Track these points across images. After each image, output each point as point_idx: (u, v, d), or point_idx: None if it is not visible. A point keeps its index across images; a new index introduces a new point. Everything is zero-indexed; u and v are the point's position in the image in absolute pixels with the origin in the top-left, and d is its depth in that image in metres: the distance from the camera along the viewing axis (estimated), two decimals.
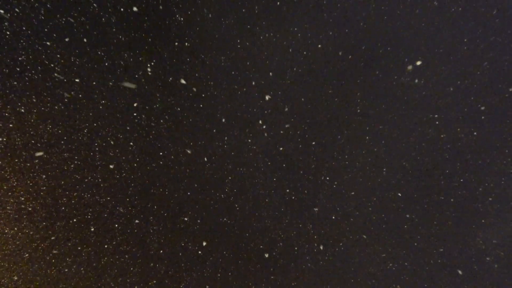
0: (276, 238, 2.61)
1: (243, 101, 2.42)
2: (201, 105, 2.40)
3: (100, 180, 2.40)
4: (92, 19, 2.15)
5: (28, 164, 2.29)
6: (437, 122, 2.44)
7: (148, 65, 2.29)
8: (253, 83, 2.39)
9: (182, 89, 2.36)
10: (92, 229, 2.44)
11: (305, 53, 2.35)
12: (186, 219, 2.54)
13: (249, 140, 2.48)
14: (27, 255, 2.39)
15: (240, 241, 2.59)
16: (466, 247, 2.59)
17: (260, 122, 2.46)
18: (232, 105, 2.41)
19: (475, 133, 2.45)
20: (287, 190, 2.57)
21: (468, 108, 2.41)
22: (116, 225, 2.47)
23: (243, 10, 2.24)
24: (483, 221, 2.56)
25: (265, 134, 2.48)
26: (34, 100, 2.21)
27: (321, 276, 2.64)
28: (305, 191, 2.57)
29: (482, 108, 2.41)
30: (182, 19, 2.22)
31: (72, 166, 2.35)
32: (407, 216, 2.57)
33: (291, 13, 2.26)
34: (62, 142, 2.31)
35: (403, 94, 2.42)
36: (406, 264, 2.61)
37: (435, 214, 2.57)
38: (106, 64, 2.23)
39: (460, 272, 2.61)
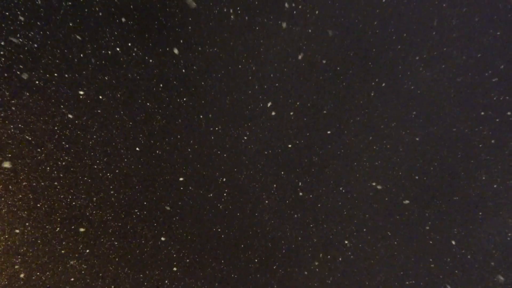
0: (278, 241, 2.53)
1: (241, 97, 2.32)
2: (198, 101, 2.30)
3: (92, 180, 2.30)
4: (83, 12, 2.00)
5: (17, 165, 2.17)
6: (440, 118, 2.39)
7: (140, 56, 2.16)
8: (253, 78, 2.28)
9: (178, 83, 2.24)
10: (84, 232, 2.35)
11: (308, 46, 2.25)
12: (183, 220, 2.45)
13: (246, 139, 2.39)
14: (19, 258, 2.32)
15: (240, 244, 2.51)
16: (470, 244, 2.55)
17: (260, 119, 2.37)
18: (230, 101, 2.32)
19: (480, 129, 2.40)
20: (289, 191, 2.49)
21: (473, 104, 2.36)
22: (110, 228, 2.37)
23: (244, 2, 2.12)
24: (487, 218, 2.53)
25: (265, 132, 2.39)
26: (25, 100, 2.09)
27: (326, 280, 2.57)
28: (308, 192, 2.50)
29: (487, 104, 2.36)
30: (177, 10, 2.09)
31: (63, 165, 2.24)
32: (412, 215, 2.54)
33: (295, 4, 2.15)
34: (51, 140, 2.19)
35: (410, 90, 2.34)
36: (411, 265, 2.57)
37: (442, 213, 2.53)
38: (97, 59, 2.10)
39: (463, 269, 2.58)
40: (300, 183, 2.48)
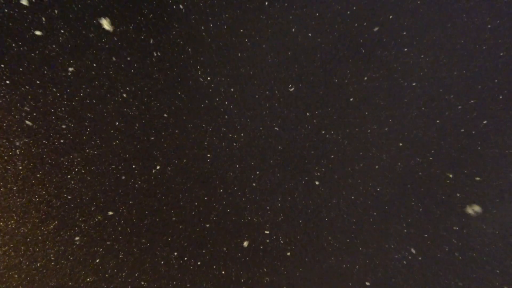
0: (270, 243, 2.52)
1: (239, 97, 2.34)
2: (187, 96, 2.33)
3: (90, 179, 2.34)
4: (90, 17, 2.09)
5: (19, 163, 2.25)
6: (430, 112, 2.37)
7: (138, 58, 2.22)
8: (245, 74, 2.32)
9: (176, 83, 2.30)
10: (83, 229, 2.37)
11: (304, 46, 2.28)
12: (182, 219, 2.46)
13: (237, 134, 2.41)
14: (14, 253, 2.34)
15: (231, 244, 2.51)
16: (455, 235, 2.50)
17: (251, 116, 2.39)
18: (229, 103, 2.34)
19: (473, 122, 2.37)
20: (283, 190, 2.49)
21: (464, 101, 2.34)
22: (106, 224, 2.39)
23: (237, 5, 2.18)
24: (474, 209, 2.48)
25: (258, 128, 2.41)
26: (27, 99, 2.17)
27: (329, 278, 2.55)
28: (301, 191, 2.49)
29: (477, 101, 2.34)
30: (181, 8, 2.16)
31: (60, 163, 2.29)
32: (405, 213, 2.49)
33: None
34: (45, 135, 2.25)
35: (406, 86, 2.33)
36: (406, 259, 2.52)
37: (432, 207, 2.48)
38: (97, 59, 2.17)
39: (455, 258, 2.52)
40: (294, 182, 2.48)
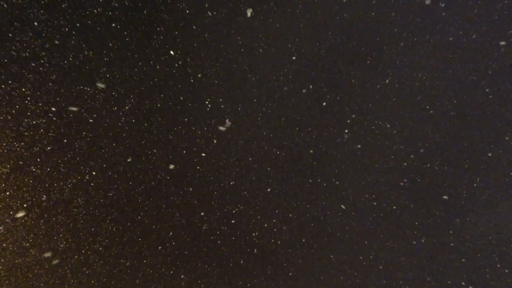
0: (267, 245, 2.47)
1: (234, 93, 2.24)
2: (188, 98, 2.23)
3: (80, 183, 2.25)
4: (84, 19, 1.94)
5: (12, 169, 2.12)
6: (430, 113, 2.32)
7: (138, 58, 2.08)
8: (247, 74, 2.20)
9: (169, 81, 2.19)
10: (74, 235, 2.30)
11: (304, 43, 2.16)
12: (175, 227, 2.40)
13: (235, 136, 2.33)
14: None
15: (229, 247, 2.45)
16: (457, 236, 2.49)
17: (252, 117, 2.30)
18: (226, 103, 2.25)
19: (468, 124, 2.34)
20: (279, 191, 2.42)
21: (459, 102, 2.29)
22: (97, 232, 2.33)
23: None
24: (473, 210, 2.47)
25: (257, 130, 2.33)
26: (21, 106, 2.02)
27: (332, 277, 2.51)
28: (300, 192, 2.43)
29: (486, 102, 2.29)
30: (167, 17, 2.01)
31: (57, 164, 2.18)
32: (403, 211, 2.47)
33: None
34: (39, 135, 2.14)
35: (412, 88, 2.26)
36: (409, 267, 2.51)
37: (430, 207, 2.46)
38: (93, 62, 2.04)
39: (453, 259, 2.52)
40: (295, 188, 2.42)
